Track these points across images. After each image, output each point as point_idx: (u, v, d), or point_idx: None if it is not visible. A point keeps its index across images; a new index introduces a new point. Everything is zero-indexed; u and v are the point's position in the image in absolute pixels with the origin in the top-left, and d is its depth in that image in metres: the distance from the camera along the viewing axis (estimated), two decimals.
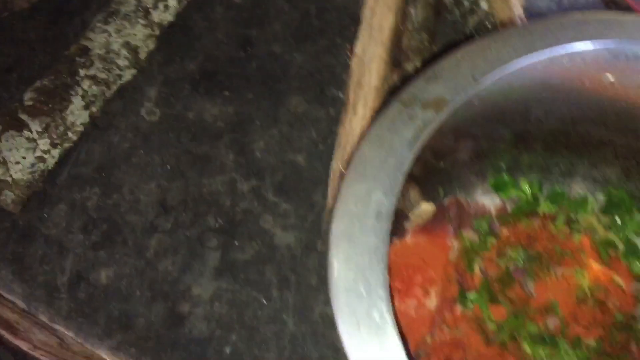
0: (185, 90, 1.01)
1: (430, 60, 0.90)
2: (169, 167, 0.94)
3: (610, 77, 0.73)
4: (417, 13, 0.97)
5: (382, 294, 0.59)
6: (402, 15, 0.96)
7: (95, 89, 0.97)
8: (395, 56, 0.91)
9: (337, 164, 0.89)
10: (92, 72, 0.98)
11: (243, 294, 0.85)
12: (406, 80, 0.90)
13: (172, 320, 0.84)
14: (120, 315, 0.84)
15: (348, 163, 0.66)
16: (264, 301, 0.84)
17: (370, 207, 0.62)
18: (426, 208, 0.84)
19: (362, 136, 0.67)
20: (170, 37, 1.04)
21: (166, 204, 0.92)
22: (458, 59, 0.69)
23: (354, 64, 0.92)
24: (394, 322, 0.57)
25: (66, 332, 0.84)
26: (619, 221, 0.85)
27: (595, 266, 0.81)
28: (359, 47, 0.92)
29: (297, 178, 0.93)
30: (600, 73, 0.72)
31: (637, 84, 0.72)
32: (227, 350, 0.82)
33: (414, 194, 0.85)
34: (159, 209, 0.91)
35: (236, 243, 0.89)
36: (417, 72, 0.76)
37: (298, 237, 0.89)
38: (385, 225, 0.61)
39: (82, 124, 0.96)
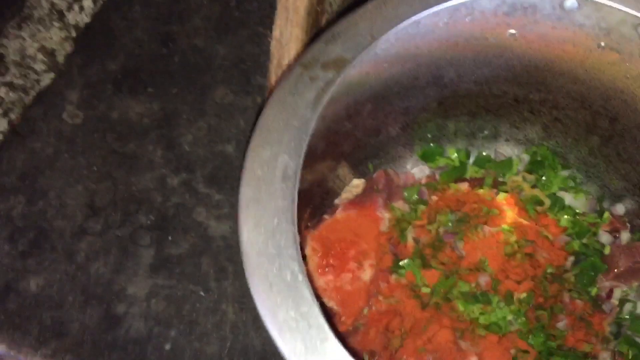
0: (107, 90, 0.95)
1: None
2: (95, 168, 0.89)
3: (513, 31, 0.71)
4: None
5: (293, 253, 0.55)
6: None
7: (12, 95, 0.91)
8: (313, 35, 0.88)
9: None
10: (7, 79, 0.91)
11: (180, 289, 0.80)
12: None
13: (108, 322, 0.78)
14: (53, 323, 0.78)
15: None
16: (202, 293, 0.80)
17: (277, 170, 0.59)
18: (356, 184, 0.81)
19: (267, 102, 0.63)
20: (88, 38, 0.98)
21: (95, 206, 0.86)
22: (356, 19, 0.67)
23: (273, 47, 0.88)
24: (307, 281, 0.54)
25: None
26: (544, 178, 0.84)
27: (522, 222, 0.80)
28: (276, 31, 0.88)
29: (227, 168, 0.89)
30: (502, 27, 0.70)
31: (538, 35, 0.71)
32: (167, 346, 0.77)
33: (343, 171, 0.82)
34: (87, 211, 0.86)
35: (170, 238, 0.84)
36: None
37: (233, 227, 0.85)
38: (292, 187, 0.58)
39: (1, 132, 0.89)
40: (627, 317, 0.78)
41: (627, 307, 0.78)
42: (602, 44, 0.69)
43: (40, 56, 0.93)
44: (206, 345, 0.77)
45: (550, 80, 0.76)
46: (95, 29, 0.99)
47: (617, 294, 0.79)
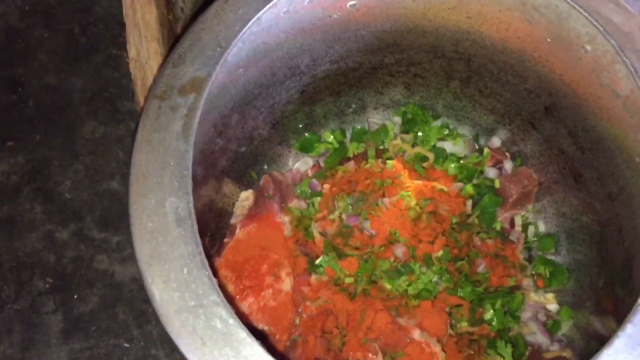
0: None
1: None
2: None
3: (353, 2, 0.60)
4: None
5: (215, 299, 0.43)
6: (167, 4, 0.74)
7: None
8: (172, 47, 0.70)
9: None
10: None
11: (102, 347, 0.63)
12: None
13: None
14: None
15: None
16: (127, 344, 0.63)
17: (168, 216, 0.45)
18: (245, 196, 0.66)
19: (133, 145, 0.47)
20: None
21: None
22: (198, 33, 0.53)
23: (133, 68, 0.70)
24: (239, 322, 0.42)
25: None
26: (420, 134, 0.73)
27: (416, 183, 0.69)
28: (132, 50, 0.70)
29: (117, 206, 0.71)
30: (341, 1, 0.60)
31: (375, 3, 0.60)
32: None
33: (228, 187, 0.66)
34: None
35: (75, 296, 0.66)
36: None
37: None
38: (191, 228, 0.45)
39: None
40: (534, 239, 0.70)
41: (531, 230, 0.72)
42: None
43: None
44: None
45: (399, 40, 0.67)
46: None
47: (518, 220, 0.72)
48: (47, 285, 0.66)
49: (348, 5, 0.60)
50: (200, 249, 0.44)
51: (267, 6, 0.53)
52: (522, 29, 0.60)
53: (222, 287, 0.56)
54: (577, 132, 0.64)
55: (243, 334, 0.41)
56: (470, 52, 0.67)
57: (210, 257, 0.58)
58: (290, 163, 0.73)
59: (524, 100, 0.68)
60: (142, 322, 0.65)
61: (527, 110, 0.69)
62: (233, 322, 0.42)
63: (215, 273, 0.52)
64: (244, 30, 0.52)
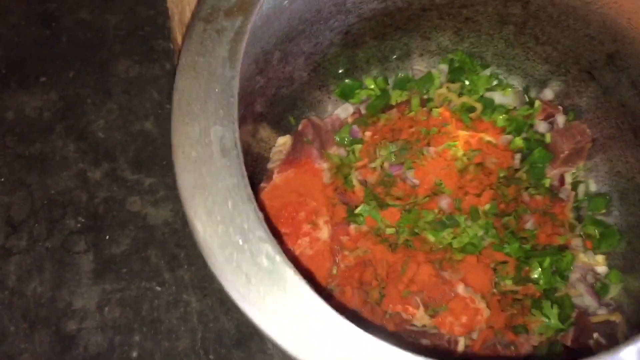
0: None
1: None
2: (2, 179, 0.66)
3: None
4: None
5: (262, 234, 0.40)
6: None
7: None
8: None
9: None
10: None
11: (132, 289, 0.62)
12: None
13: (61, 344, 0.60)
14: None
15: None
16: (158, 288, 0.62)
17: (212, 145, 0.42)
18: (283, 141, 0.63)
19: (176, 70, 0.44)
20: None
21: (13, 221, 0.65)
22: None
23: (170, 2, 0.66)
24: (286, 259, 0.39)
25: None
26: (467, 83, 0.69)
27: (462, 133, 0.65)
28: None
29: (151, 147, 0.69)
30: None
31: None
32: (134, 354, 0.60)
33: (265, 132, 0.63)
34: (6, 229, 0.65)
35: (107, 237, 0.65)
36: None
37: (174, 209, 0.66)
38: (236, 159, 0.42)
39: None
40: (584, 198, 0.66)
41: (581, 188, 0.67)
42: None
43: None
44: (176, 342, 0.60)
45: None
46: None
47: (569, 178, 0.67)
48: (79, 225, 0.65)
49: None
50: (246, 181, 0.41)
51: None
52: None
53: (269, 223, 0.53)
54: None
55: (291, 272, 0.39)
56: None
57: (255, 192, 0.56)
58: (329, 109, 0.70)
59: (584, 48, 0.62)
60: (173, 266, 0.63)
61: (586, 59, 0.63)
62: (280, 259, 0.39)
63: (262, 208, 0.49)
64: None
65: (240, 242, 0.40)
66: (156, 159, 0.69)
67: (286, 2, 0.52)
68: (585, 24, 0.60)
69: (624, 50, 0.59)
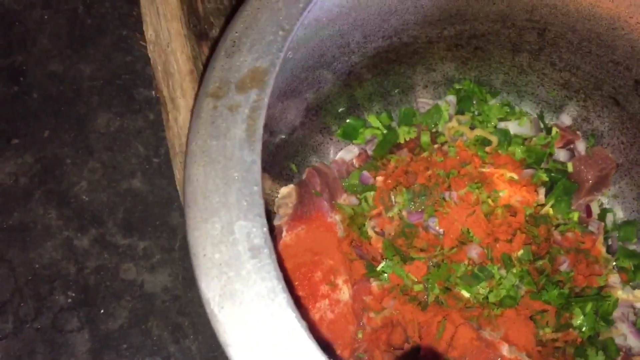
0: None
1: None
2: None
3: None
4: None
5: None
6: None
7: None
8: (196, 27, 0.63)
9: (181, 174, 0.61)
10: None
11: None
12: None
13: None
14: None
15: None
16: None
17: (238, 244, 0.37)
18: (286, 192, 0.59)
19: (185, 156, 0.40)
20: None
21: None
22: (254, 13, 0.44)
23: (152, 52, 0.62)
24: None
25: None
26: (477, 114, 0.66)
27: (483, 171, 0.62)
28: (149, 32, 0.62)
29: (142, 207, 0.64)
30: None
31: None
32: None
33: (266, 183, 0.59)
34: None
35: (102, 311, 0.60)
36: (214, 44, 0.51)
37: (172, 273, 0.62)
38: (268, 258, 0.37)
39: None
40: (614, 227, 0.64)
41: (609, 217, 0.65)
42: None
43: None
44: None
45: (464, 9, 0.59)
46: None
47: (595, 207, 0.65)
48: (70, 300, 0.60)
49: None
50: (283, 284, 0.36)
51: None
52: None
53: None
54: None
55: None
56: (547, 20, 0.59)
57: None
58: (331, 152, 0.66)
59: (608, 74, 0.60)
60: (178, 336, 0.59)
61: (610, 85, 0.61)
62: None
63: (305, 317, 0.44)
64: (309, 7, 0.44)
65: None
66: (148, 220, 0.65)
67: (290, 53, 0.48)
68: (610, 50, 0.58)
69: None
